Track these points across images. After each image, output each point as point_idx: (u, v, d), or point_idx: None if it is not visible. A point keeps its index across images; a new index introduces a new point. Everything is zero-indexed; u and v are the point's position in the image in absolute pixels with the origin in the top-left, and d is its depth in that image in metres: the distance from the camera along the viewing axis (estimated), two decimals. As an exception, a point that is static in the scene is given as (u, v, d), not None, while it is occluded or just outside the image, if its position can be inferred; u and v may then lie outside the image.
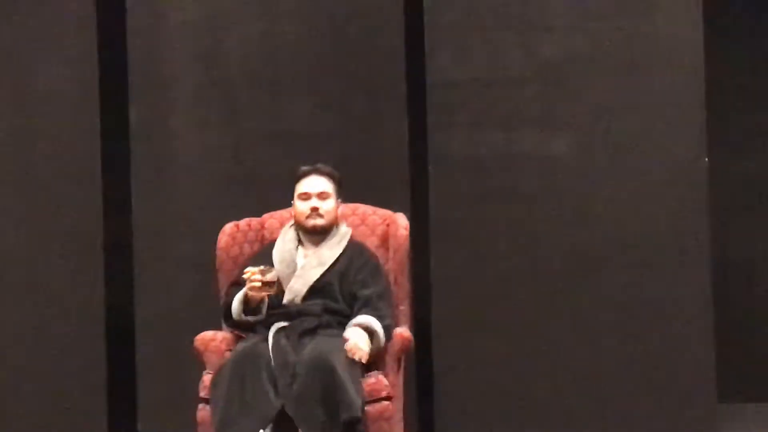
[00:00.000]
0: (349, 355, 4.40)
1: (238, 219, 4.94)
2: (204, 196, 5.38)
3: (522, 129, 5.30)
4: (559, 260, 5.30)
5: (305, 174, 4.70)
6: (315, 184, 4.69)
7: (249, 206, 5.12)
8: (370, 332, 4.48)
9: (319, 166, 4.73)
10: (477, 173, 5.32)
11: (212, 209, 5.30)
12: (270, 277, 4.48)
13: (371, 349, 4.46)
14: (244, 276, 4.51)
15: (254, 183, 5.34)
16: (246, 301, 4.57)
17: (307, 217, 4.65)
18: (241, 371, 4.34)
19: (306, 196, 4.67)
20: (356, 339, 4.44)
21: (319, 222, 4.66)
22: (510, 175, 5.32)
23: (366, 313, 4.53)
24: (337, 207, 4.72)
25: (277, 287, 4.53)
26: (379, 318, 4.54)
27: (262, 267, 4.52)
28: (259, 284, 4.47)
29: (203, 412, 4.50)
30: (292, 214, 4.73)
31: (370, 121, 5.32)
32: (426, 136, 5.34)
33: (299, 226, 4.70)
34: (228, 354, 4.53)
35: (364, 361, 4.43)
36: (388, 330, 4.56)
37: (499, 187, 5.32)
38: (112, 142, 5.44)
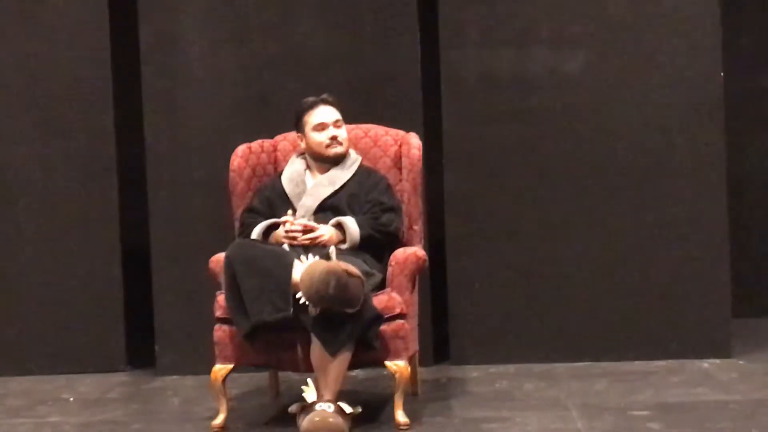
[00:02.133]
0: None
1: (251, 141, 4.93)
2: (216, 118, 5.36)
3: (535, 46, 5.26)
4: (573, 179, 5.30)
5: (314, 105, 4.73)
6: (328, 113, 4.72)
7: (261, 128, 5.11)
8: (342, 228, 4.59)
9: (325, 96, 4.75)
10: (490, 91, 5.30)
11: (224, 131, 5.30)
12: (311, 225, 4.56)
13: (341, 240, 4.57)
14: (284, 221, 4.55)
15: (266, 104, 5.32)
16: (266, 234, 4.62)
17: (327, 146, 4.70)
18: (254, 258, 4.41)
19: (323, 126, 4.71)
20: (327, 232, 4.56)
21: (340, 150, 4.71)
22: (523, 93, 5.29)
23: (359, 220, 4.60)
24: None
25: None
26: (382, 225, 4.60)
27: (300, 220, 4.58)
28: (300, 234, 4.54)
29: (220, 332, 4.52)
30: (303, 146, 4.77)
31: (382, 40, 5.29)
32: (438, 54, 5.30)
33: (315, 156, 4.74)
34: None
35: (314, 239, 4.52)
36: (389, 234, 4.61)
37: (512, 105, 5.30)
38: (123, 65, 5.43)
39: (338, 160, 4.73)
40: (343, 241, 4.59)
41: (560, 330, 5.30)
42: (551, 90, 5.28)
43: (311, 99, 4.77)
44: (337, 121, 4.71)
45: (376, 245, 4.62)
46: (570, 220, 5.30)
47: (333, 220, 4.62)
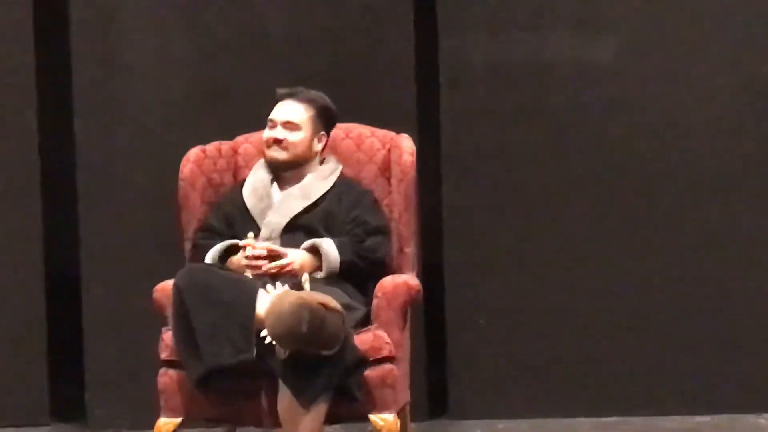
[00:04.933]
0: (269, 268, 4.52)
1: (205, 143, 4.92)
2: (163, 116, 5.35)
3: (555, 31, 5.27)
4: (600, 193, 5.29)
5: (279, 97, 4.78)
6: (285, 111, 4.75)
7: (218, 128, 5.11)
8: (317, 253, 4.60)
9: (300, 89, 4.78)
10: (499, 85, 5.28)
11: (173, 131, 5.29)
12: (277, 249, 4.56)
13: (316, 268, 4.59)
14: (244, 245, 4.57)
15: (224, 99, 5.33)
16: (224, 258, 4.65)
17: (268, 147, 4.74)
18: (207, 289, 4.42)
19: (272, 124, 4.75)
20: (298, 259, 4.57)
21: (280, 155, 4.73)
22: (539, 87, 5.28)
23: (338, 243, 4.62)
24: (312, 141, 4.76)
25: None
26: (367, 250, 4.62)
27: (265, 243, 4.58)
28: (264, 261, 4.54)
29: (165, 378, 4.51)
30: None
31: (368, 22, 5.29)
32: (437, 40, 5.30)
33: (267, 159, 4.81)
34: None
35: (282, 266, 4.54)
36: (375, 261, 4.64)
37: (525, 102, 5.29)
38: (49, 45, 5.40)
39: (294, 167, 4.72)
40: (319, 269, 4.60)
41: (583, 378, 5.29)
42: (574, 84, 5.28)
43: (282, 90, 4.80)
44: (289, 122, 4.72)
45: (359, 274, 4.63)
46: (596, 243, 5.29)
47: (306, 243, 4.62)
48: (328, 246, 4.60)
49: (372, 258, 4.63)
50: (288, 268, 4.56)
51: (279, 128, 4.72)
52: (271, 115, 4.73)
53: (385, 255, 4.68)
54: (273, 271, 4.54)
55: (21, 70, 5.34)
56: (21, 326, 5.36)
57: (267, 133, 4.73)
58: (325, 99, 4.77)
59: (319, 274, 4.58)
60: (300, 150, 4.72)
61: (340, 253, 4.59)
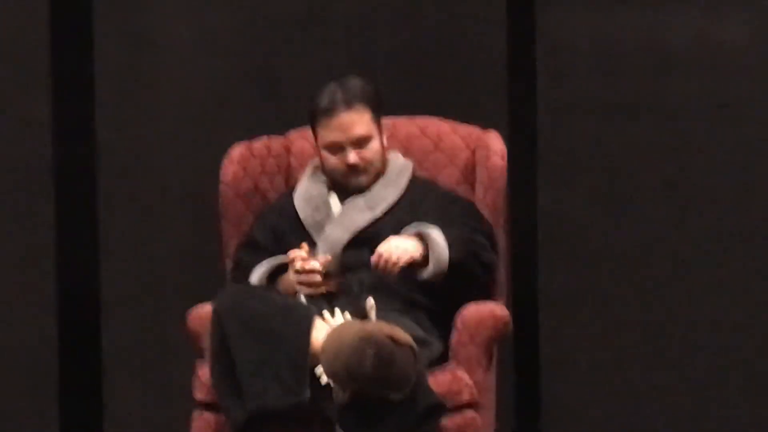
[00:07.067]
0: (377, 263, 4.52)
1: (252, 139, 4.96)
2: (200, 106, 5.41)
3: (679, 5, 5.28)
4: (736, 205, 5.29)
5: (327, 112, 4.73)
6: (346, 125, 4.73)
7: (268, 121, 5.19)
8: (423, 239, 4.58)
9: (345, 94, 4.73)
10: (607, 71, 5.30)
11: (212, 125, 5.36)
12: (331, 268, 4.60)
13: (422, 263, 4.55)
14: (291, 258, 4.59)
15: (276, 86, 5.39)
16: (273, 278, 4.69)
17: (344, 175, 4.75)
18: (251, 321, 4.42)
19: (337, 147, 4.73)
20: (394, 242, 4.55)
21: (364, 181, 4.77)
22: (657, 74, 5.28)
23: (447, 233, 4.58)
24: (383, 143, 4.79)
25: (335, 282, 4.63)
26: (481, 246, 4.59)
27: (319, 256, 4.60)
28: (317, 278, 4.58)
29: (201, 422, 4.54)
30: (320, 161, 4.84)
31: (450, -8, 5.29)
32: (532, 13, 5.24)
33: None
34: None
35: (402, 262, 4.53)
36: (488, 266, 4.62)
37: (641, 94, 5.30)
38: (67, 24, 5.33)
39: (368, 186, 4.76)
40: (423, 265, 4.53)
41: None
42: (698, 71, 5.29)
43: (325, 101, 4.72)
44: (359, 139, 4.72)
45: (464, 284, 4.60)
46: (732, 270, 5.28)
47: (410, 229, 4.58)
48: (437, 235, 4.56)
49: (486, 261, 4.61)
50: (402, 261, 4.50)
51: (350, 151, 4.71)
52: (332, 138, 4.70)
53: (495, 264, 4.65)
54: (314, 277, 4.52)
55: (31, 49, 5.34)
56: (30, 357, 5.38)
57: (336, 161, 4.71)
58: (366, 85, 4.74)
59: (425, 273, 4.54)
60: (379, 162, 4.75)
61: (450, 247, 4.54)
